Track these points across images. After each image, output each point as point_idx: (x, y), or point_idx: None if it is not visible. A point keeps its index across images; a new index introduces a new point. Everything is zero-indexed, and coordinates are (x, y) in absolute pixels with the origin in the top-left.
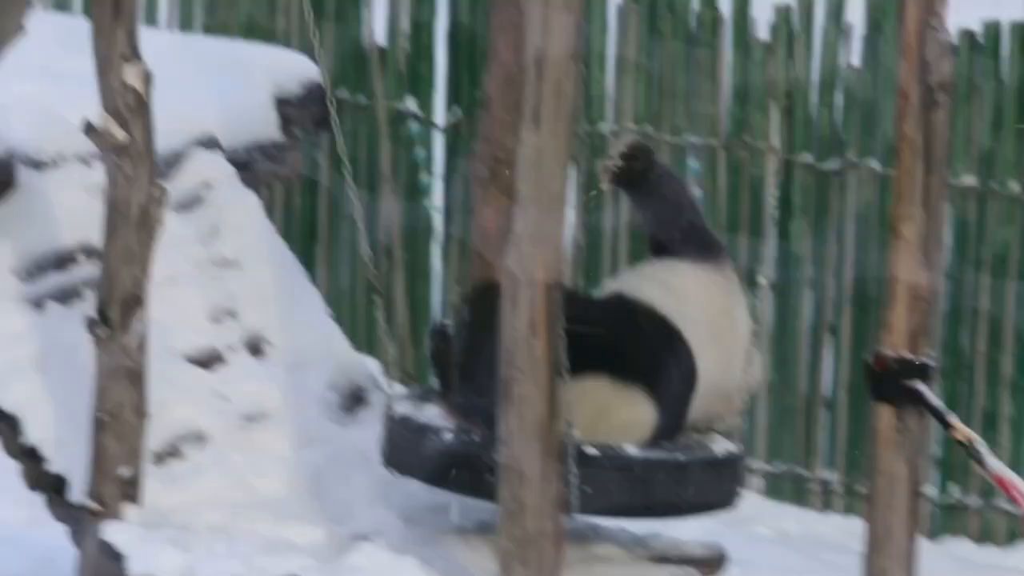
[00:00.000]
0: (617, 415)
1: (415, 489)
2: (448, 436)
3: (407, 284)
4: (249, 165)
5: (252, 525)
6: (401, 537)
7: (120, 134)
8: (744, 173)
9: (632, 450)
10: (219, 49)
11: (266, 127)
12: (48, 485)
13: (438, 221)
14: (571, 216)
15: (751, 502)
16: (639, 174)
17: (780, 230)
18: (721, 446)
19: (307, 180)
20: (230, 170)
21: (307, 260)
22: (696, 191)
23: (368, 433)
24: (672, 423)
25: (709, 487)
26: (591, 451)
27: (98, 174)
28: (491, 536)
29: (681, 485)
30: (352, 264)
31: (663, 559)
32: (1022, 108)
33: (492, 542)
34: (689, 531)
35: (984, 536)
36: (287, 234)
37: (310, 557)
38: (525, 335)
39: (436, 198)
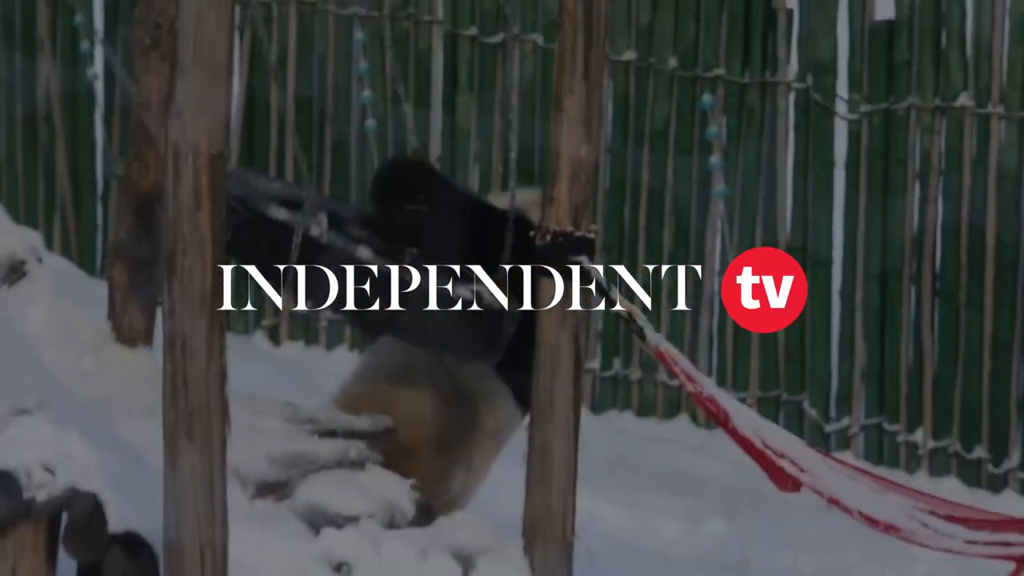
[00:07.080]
0: None
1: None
2: None
3: (68, 153)
4: None
5: None
6: (64, 410)
7: None
8: (410, 45)
9: None
10: None
11: None
12: None
13: (99, 89)
14: (236, 86)
15: None
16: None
17: (446, 103)
18: None
19: None
20: None
21: None
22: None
23: (29, 305)
24: None
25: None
26: None
27: None
28: (156, 410)
29: None
30: (10, 131)
31: (330, 433)
32: None
33: (157, 415)
34: None
35: (645, 409)
36: None
37: None
38: (190, 207)
39: (97, 65)
